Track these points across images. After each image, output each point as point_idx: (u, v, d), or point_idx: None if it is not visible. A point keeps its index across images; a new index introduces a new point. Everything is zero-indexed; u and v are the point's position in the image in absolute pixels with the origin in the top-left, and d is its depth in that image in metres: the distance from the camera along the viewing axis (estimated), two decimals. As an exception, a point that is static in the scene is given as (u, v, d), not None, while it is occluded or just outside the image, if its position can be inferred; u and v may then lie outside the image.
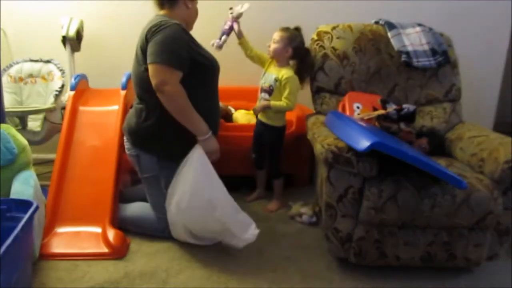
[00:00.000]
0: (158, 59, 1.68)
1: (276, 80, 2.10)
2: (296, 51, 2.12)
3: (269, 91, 2.13)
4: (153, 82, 1.69)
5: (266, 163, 2.30)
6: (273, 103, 2.10)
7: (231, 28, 2.19)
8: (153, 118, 1.81)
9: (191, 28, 1.96)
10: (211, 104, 1.92)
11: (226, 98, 2.59)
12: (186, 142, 1.79)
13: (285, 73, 2.09)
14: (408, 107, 1.94)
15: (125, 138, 1.96)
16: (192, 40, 1.82)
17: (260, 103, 2.17)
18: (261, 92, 2.19)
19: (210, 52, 1.93)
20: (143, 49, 1.76)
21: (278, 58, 2.14)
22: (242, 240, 1.80)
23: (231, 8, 2.21)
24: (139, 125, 1.85)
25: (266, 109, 2.14)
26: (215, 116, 1.95)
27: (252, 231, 1.82)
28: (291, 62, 2.16)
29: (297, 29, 2.16)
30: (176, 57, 1.70)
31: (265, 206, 2.31)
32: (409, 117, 1.96)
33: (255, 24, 2.67)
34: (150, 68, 1.70)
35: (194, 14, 1.95)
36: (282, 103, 2.09)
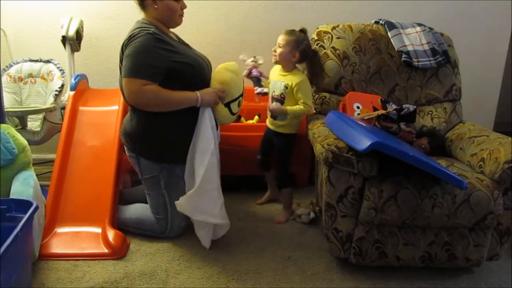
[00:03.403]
0: (126, 73, 1.73)
1: (286, 87, 2.00)
2: (303, 55, 2.01)
3: (281, 99, 2.02)
4: (125, 95, 1.75)
5: (273, 165, 2.22)
6: (290, 108, 1.99)
7: (259, 74, 2.13)
8: (142, 122, 1.84)
9: (172, 25, 1.91)
10: None
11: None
12: (177, 143, 1.81)
13: (295, 78, 2.00)
14: (408, 107, 1.94)
15: (122, 141, 1.97)
16: (165, 46, 1.76)
17: (277, 106, 2.02)
18: (272, 101, 2.06)
19: (192, 51, 1.91)
20: (121, 61, 1.79)
21: (285, 63, 2.02)
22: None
23: (254, 57, 2.13)
24: (132, 128, 1.88)
25: (281, 114, 2.02)
26: None
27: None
28: (298, 65, 2.07)
29: (303, 30, 2.03)
30: (143, 68, 1.71)
31: (272, 209, 2.27)
32: (409, 117, 1.96)
33: (255, 24, 2.68)
34: (123, 82, 1.75)
35: (167, 12, 1.84)
36: (298, 107, 1.99)
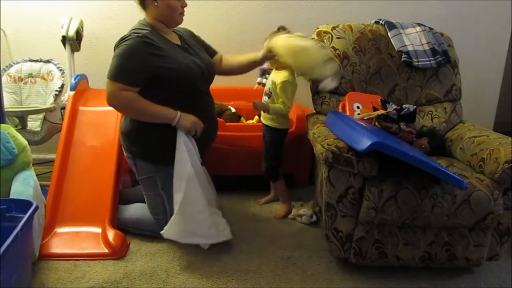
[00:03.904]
0: (108, 75, 1.73)
1: (273, 83, 2.07)
2: None
3: (269, 94, 2.10)
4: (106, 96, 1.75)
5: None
6: (271, 105, 2.07)
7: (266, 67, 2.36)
8: (135, 122, 1.84)
9: (173, 24, 1.89)
10: (193, 111, 1.82)
11: (227, 98, 2.59)
12: (172, 144, 1.79)
13: (280, 77, 2.04)
14: (408, 107, 1.94)
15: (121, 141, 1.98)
16: (152, 51, 1.74)
17: (259, 102, 2.12)
18: (264, 95, 2.15)
19: (187, 56, 1.87)
20: None
21: (273, 64, 2.09)
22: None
23: None
24: (127, 128, 1.88)
25: (264, 110, 2.09)
26: (203, 121, 1.86)
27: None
28: None
29: (281, 28, 2.04)
30: (123, 72, 1.71)
31: (273, 209, 2.29)
32: (409, 117, 1.96)
33: (255, 24, 2.68)
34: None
35: (167, 10, 1.82)
36: (278, 105, 2.05)
